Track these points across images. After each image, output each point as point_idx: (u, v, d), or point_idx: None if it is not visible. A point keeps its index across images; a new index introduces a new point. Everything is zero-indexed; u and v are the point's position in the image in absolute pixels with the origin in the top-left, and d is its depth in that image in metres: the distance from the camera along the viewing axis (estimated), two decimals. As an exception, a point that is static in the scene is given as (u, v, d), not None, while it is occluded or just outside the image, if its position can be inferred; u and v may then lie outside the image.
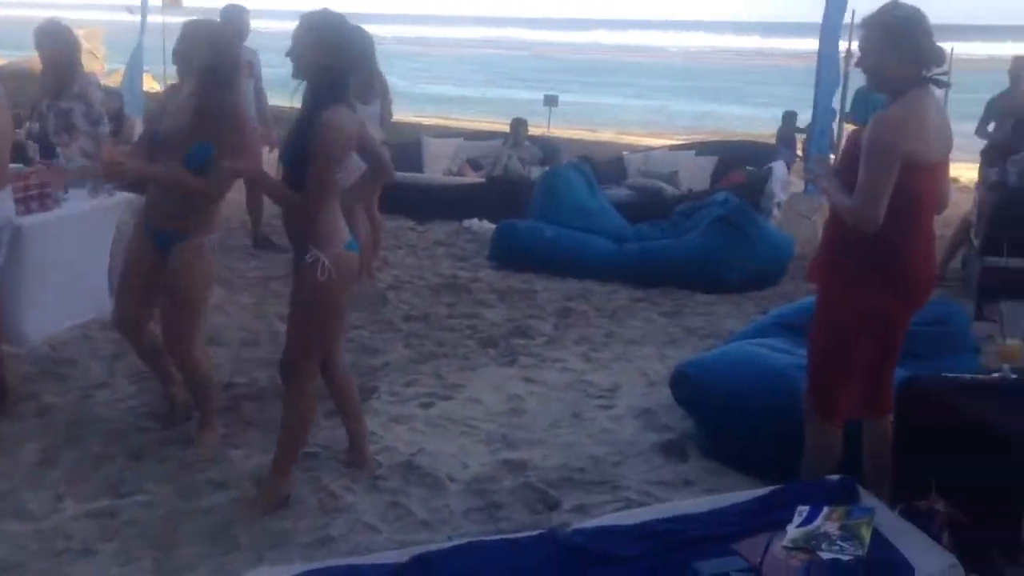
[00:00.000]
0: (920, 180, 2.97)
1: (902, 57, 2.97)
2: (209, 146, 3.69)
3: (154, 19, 11.91)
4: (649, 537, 2.80)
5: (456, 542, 2.89)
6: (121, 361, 4.84)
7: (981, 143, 7.98)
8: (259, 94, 7.32)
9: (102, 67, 16.60)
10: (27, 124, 5.35)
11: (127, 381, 4.62)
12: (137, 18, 11.15)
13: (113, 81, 12.69)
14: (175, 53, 3.87)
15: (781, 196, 8.37)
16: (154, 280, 3.93)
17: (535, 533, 2.92)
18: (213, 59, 3.73)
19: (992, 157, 8.07)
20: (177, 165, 3.74)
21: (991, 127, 8.13)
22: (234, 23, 6.93)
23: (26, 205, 4.82)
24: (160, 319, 4.00)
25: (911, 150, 2.93)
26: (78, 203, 5.33)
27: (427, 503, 3.62)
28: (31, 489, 3.57)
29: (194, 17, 4.29)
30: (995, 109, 8.14)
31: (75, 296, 5.29)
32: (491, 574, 2.66)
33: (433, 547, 2.81)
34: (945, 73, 3.15)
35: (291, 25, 3.46)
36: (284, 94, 3.61)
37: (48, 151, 5.24)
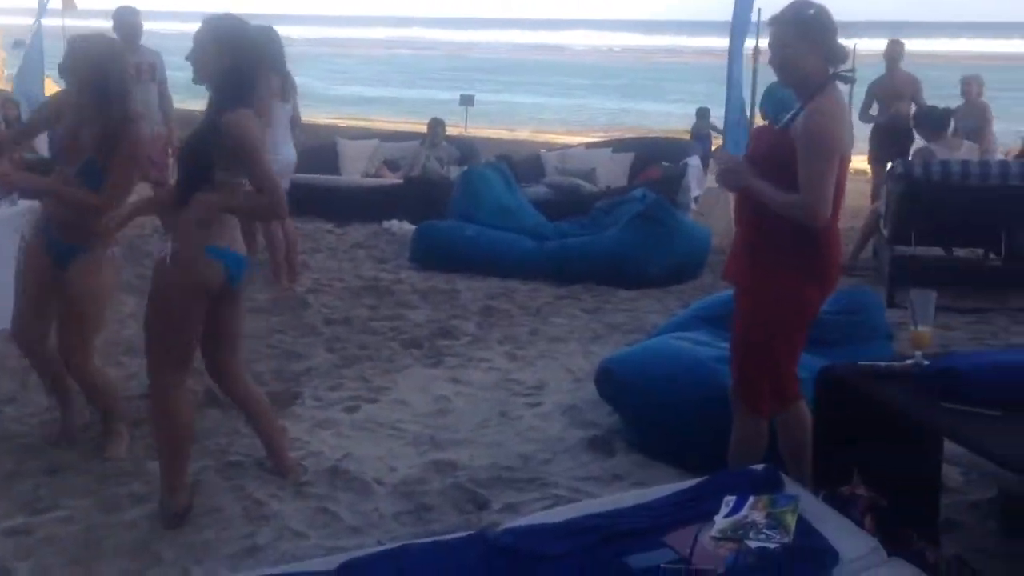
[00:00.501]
0: (843, 170, 3.07)
1: (815, 53, 3.06)
2: (95, 160, 3.67)
3: (52, 22, 11.52)
4: (578, 533, 2.81)
5: (385, 546, 2.87)
6: (33, 374, 4.65)
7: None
8: (163, 97, 7.17)
9: (1, 71, 15.99)
10: None
11: (39, 394, 4.46)
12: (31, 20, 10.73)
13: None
14: (62, 69, 3.81)
15: (697, 191, 8.53)
16: (52, 293, 3.84)
17: (464, 534, 2.90)
18: (98, 76, 3.67)
19: (881, 138, 8.60)
20: (69, 177, 3.70)
21: (873, 110, 8.66)
22: (125, 26, 6.81)
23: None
24: (56, 331, 3.91)
25: (845, 141, 3.04)
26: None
27: (355, 508, 3.58)
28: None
29: (80, 29, 4.21)
30: (875, 93, 8.71)
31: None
32: (420, 577, 2.64)
33: (361, 552, 2.77)
34: (850, 70, 3.25)
35: (193, 27, 3.40)
36: (189, 96, 3.56)
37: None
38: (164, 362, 3.37)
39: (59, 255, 3.79)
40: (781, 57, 3.11)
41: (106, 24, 7.02)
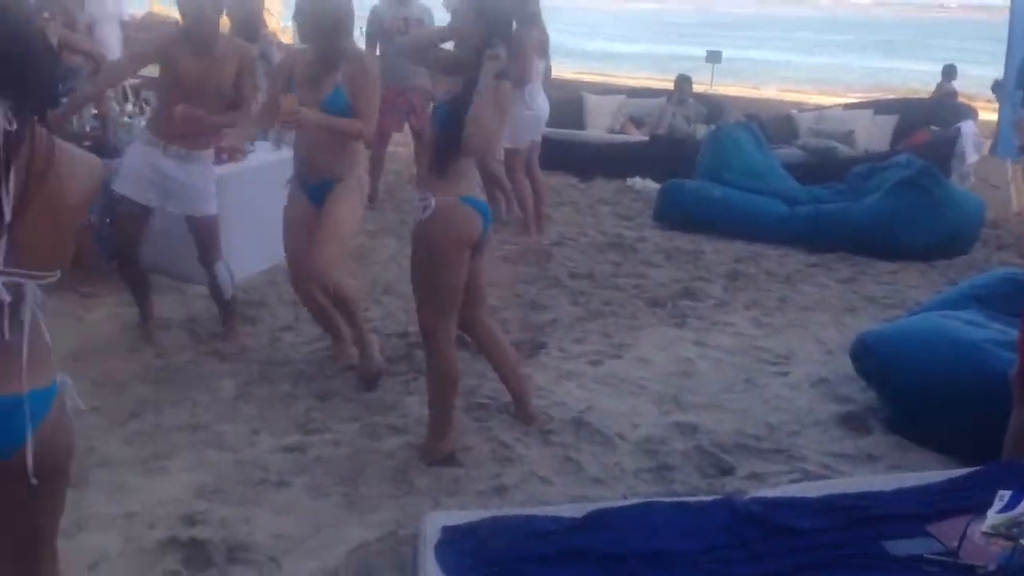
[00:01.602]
0: None
1: None
2: (342, 88, 3.93)
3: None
4: (833, 511, 2.71)
5: (630, 501, 2.90)
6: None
7: None
8: None
9: (279, 24, 17.23)
10: None
11: (312, 324, 4.83)
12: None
13: (287, 39, 13.15)
14: (295, 15, 4.09)
15: (973, 157, 7.86)
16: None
17: (711, 499, 2.89)
18: (332, 16, 3.91)
19: None
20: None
21: None
22: None
23: (218, 157, 5.07)
24: (309, 249, 4.11)
25: None
26: (263, 155, 5.59)
27: (598, 459, 3.64)
28: (229, 422, 3.81)
29: None
30: None
31: (262, 243, 5.55)
32: (667, 535, 2.64)
33: (607, 504, 2.82)
34: None
35: None
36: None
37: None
38: (433, 311, 3.54)
39: (315, 195, 4.10)
40: None
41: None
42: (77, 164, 1.83)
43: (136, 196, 4.28)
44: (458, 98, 3.36)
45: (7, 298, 1.75)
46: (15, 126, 1.70)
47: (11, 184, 1.70)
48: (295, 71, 4.07)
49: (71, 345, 4.31)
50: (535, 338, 4.82)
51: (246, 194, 5.23)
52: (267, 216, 5.48)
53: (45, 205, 1.75)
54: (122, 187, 4.29)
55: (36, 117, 1.77)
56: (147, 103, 5.52)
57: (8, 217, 1.71)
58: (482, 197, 3.57)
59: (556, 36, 9.56)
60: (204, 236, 4.44)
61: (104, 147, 5.29)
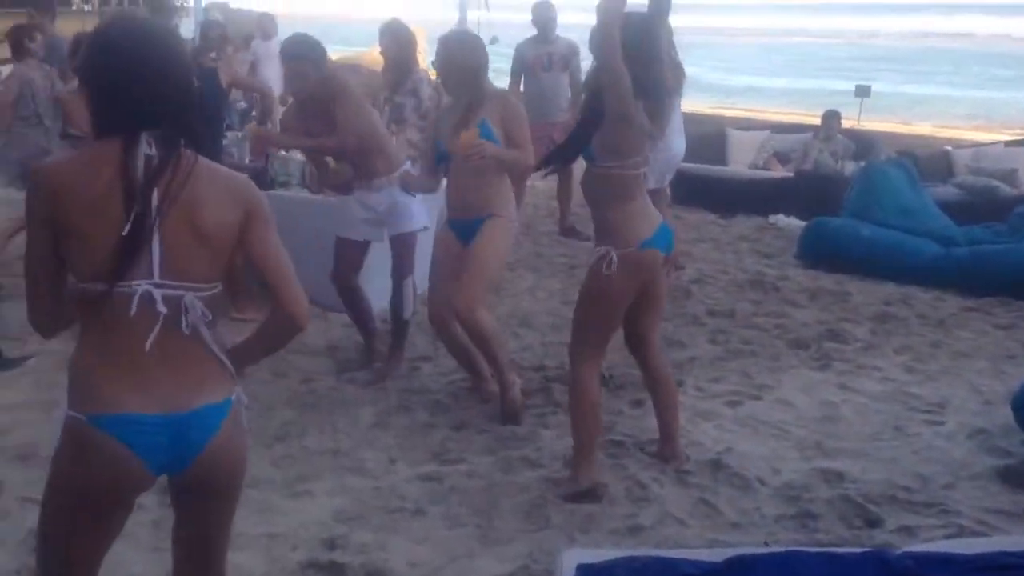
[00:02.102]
0: None
1: None
2: (487, 121, 4.01)
3: (475, 14, 12.56)
4: (992, 570, 2.55)
5: (774, 548, 2.80)
6: (445, 337, 5.17)
7: None
8: (573, 85, 7.45)
9: (424, 64, 17.77)
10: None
11: (449, 357, 4.91)
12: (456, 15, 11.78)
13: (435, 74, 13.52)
14: (437, 66, 4.28)
15: None
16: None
17: (859, 551, 2.76)
18: (471, 64, 4.09)
19: None
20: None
21: None
22: (541, 20, 7.23)
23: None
24: (442, 297, 4.22)
25: None
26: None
27: (736, 504, 3.54)
28: (368, 449, 3.91)
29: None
30: None
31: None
32: (811, 587, 2.54)
33: (748, 550, 2.73)
34: None
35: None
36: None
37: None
38: (586, 344, 3.56)
39: (464, 233, 4.15)
40: None
41: (523, 17, 7.54)
42: (218, 183, 1.93)
43: (360, 237, 4.62)
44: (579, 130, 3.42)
45: (164, 310, 1.86)
46: (154, 150, 1.84)
47: (153, 202, 1.83)
48: (441, 122, 4.23)
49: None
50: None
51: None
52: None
53: (186, 221, 1.87)
54: (347, 232, 4.63)
55: (183, 143, 1.90)
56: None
57: (153, 233, 1.83)
58: (657, 221, 3.51)
59: (697, 71, 9.48)
60: (401, 252, 4.63)
61: (262, 179, 5.57)
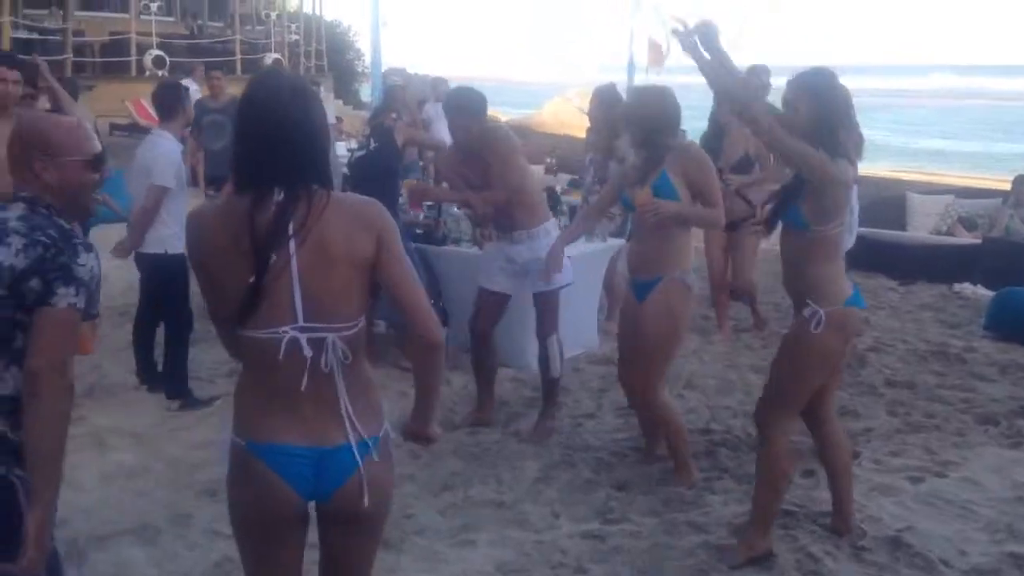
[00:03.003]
0: None
1: None
2: (668, 174, 3.92)
3: (640, 78, 12.68)
4: None
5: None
6: (607, 395, 5.16)
7: None
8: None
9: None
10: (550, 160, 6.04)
11: (613, 414, 4.89)
12: (622, 78, 11.95)
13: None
14: (626, 121, 4.16)
15: None
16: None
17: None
18: (663, 115, 3.97)
19: None
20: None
21: None
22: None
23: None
24: (627, 359, 4.14)
25: None
26: (577, 243, 5.79)
27: (918, 586, 3.33)
28: (531, 503, 3.92)
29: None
30: None
31: (569, 330, 5.73)
32: None
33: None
34: None
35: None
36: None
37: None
38: (784, 409, 3.46)
39: (640, 293, 4.02)
40: None
41: (689, 80, 7.51)
42: (348, 212, 2.00)
43: (500, 288, 4.69)
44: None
45: (309, 353, 1.97)
46: (281, 196, 1.94)
47: (291, 249, 1.94)
48: (625, 174, 4.15)
49: (390, 418, 4.64)
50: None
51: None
52: (574, 305, 5.69)
53: (322, 257, 1.96)
54: (487, 283, 4.72)
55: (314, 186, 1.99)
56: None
57: (296, 273, 1.95)
58: (846, 290, 3.38)
59: (876, 134, 9.18)
60: (545, 309, 4.66)
61: (433, 236, 5.77)
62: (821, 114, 3.24)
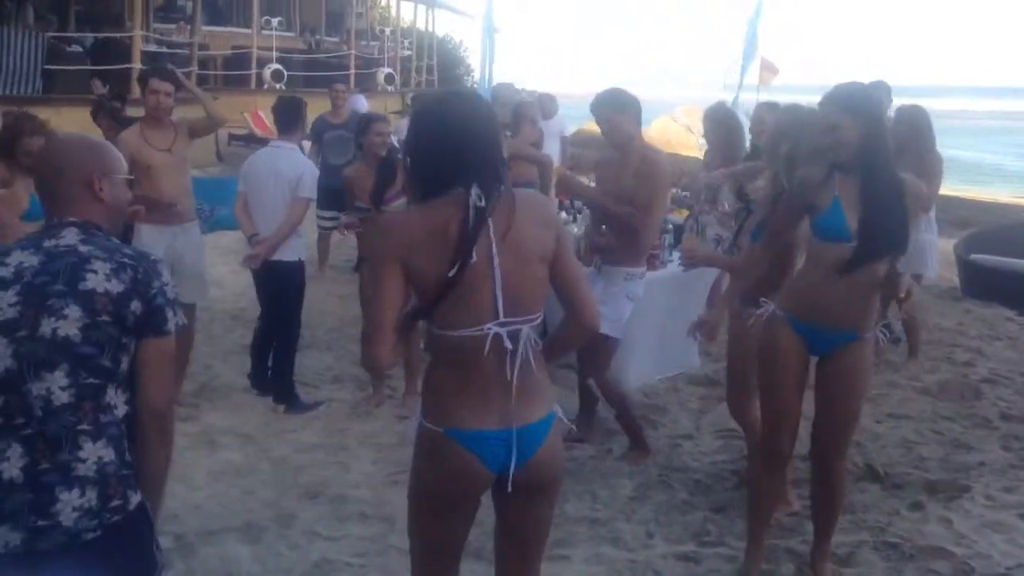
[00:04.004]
0: None
1: None
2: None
3: (748, 96, 12.53)
4: None
5: None
6: (706, 417, 5.10)
7: None
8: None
9: (696, 141, 17.85)
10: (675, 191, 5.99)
11: (711, 436, 4.83)
12: (728, 95, 11.82)
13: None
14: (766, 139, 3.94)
15: None
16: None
17: None
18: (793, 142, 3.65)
19: None
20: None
21: None
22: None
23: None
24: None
25: None
26: (675, 265, 5.76)
27: (1029, 629, 3.19)
28: (626, 521, 3.91)
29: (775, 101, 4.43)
30: None
31: (667, 351, 5.70)
32: None
33: None
34: None
35: None
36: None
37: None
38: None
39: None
40: None
41: (799, 99, 7.36)
42: (532, 210, 2.21)
43: (618, 334, 4.44)
44: None
45: (510, 346, 2.16)
46: (483, 202, 2.12)
47: (493, 249, 2.12)
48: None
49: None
50: (957, 480, 4.38)
51: (655, 302, 5.39)
52: (672, 326, 5.63)
53: (516, 254, 2.15)
54: (603, 327, 4.44)
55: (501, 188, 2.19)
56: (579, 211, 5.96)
57: (498, 273, 2.13)
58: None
59: (997, 158, 8.83)
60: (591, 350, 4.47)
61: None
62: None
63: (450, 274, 2.09)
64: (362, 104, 13.25)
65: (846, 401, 3.32)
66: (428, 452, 2.26)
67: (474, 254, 2.10)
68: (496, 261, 2.13)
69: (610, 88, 4.41)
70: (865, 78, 6.83)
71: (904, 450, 4.77)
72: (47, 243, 2.02)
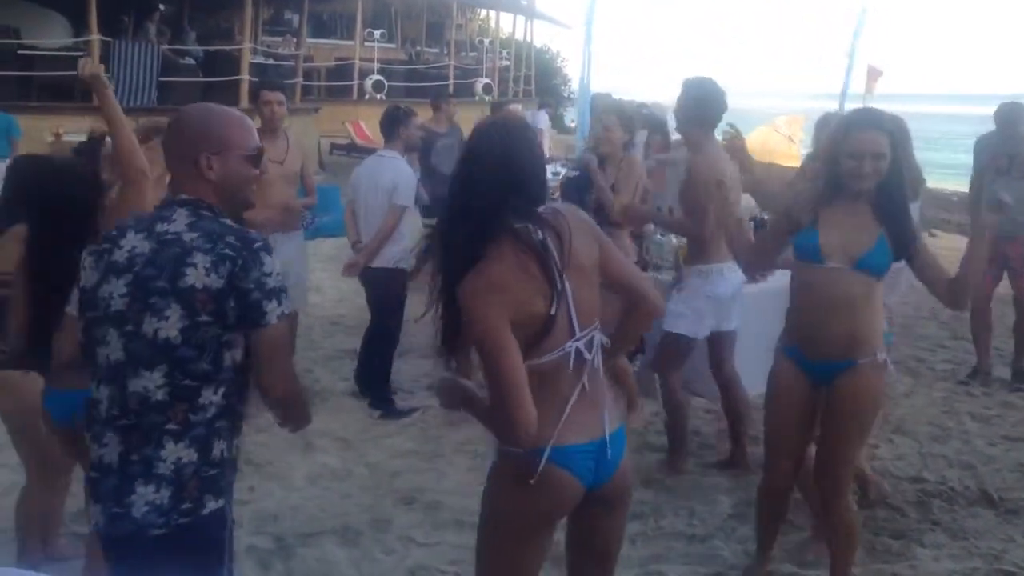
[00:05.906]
0: None
1: None
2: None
3: (852, 105, 12.17)
4: None
5: None
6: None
7: None
8: None
9: (797, 151, 17.39)
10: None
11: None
12: (833, 105, 11.49)
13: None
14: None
15: None
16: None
17: None
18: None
19: None
20: None
21: None
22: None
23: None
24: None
25: None
26: (777, 279, 5.60)
27: None
28: (724, 539, 3.82)
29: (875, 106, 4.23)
30: None
31: (751, 368, 5.52)
32: None
33: None
34: None
35: None
36: None
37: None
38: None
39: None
40: None
41: (905, 108, 7.10)
42: (579, 225, 2.25)
43: (694, 333, 4.35)
44: None
45: (589, 357, 2.20)
46: (540, 232, 2.16)
47: (558, 263, 2.14)
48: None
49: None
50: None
51: (752, 314, 5.24)
52: (757, 342, 5.43)
53: (578, 270, 2.18)
54: (676, 326, 4.31)
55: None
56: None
57: (570, 294, 2.15)
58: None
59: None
60: (724, 347, 4.53)
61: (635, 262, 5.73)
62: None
63: (552, 311, 2.13)
64: (544, 121, 13.71)
65: (840, 434, 3.12)
66: (517, 476, 2.19)
67: (557, 282, 2.14)
68: (568, 284, 2.16)
69: (696, 79, 4.30)
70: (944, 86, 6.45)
71: (1020, 474, 4.55)
72: (159, 227, 2.04)
